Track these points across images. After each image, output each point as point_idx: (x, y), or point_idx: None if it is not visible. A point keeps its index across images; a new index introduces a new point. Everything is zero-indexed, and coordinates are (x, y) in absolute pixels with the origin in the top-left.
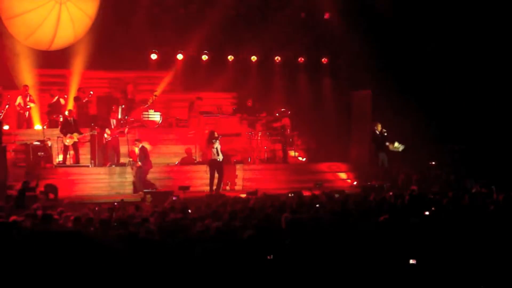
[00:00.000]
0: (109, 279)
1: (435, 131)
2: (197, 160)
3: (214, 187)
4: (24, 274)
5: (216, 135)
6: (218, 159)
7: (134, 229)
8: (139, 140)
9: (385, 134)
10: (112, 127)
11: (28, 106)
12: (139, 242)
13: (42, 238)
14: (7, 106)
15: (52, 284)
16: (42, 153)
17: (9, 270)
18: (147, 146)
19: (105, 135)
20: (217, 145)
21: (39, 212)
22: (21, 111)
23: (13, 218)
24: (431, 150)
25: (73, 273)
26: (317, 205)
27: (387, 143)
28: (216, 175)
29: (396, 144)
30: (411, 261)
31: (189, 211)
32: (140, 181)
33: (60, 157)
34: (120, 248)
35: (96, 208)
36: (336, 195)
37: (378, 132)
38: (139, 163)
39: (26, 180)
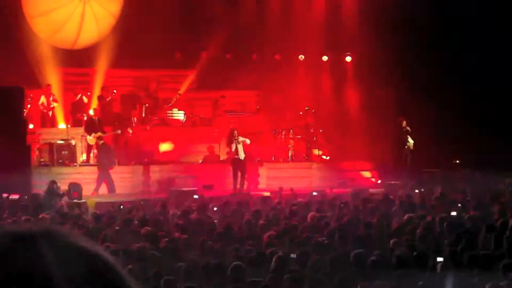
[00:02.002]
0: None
1: (459, 128)
2: (222, 158)
3: (238, 186)
4: None
5: (235, 134)
6: (240, 158)
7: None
8: (101, 138)
9: (409, 130)
10: (133, 125)
11: (51, 106)
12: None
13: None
14: (29, 106)
15: None
16: (66, 152)
17: None
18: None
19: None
20: (238, 145)
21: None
22: (45, 111)
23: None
24: (455, 147)
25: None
26: (342, 204)
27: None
28: (239, 174)
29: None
30: (438, 259)
31: (215, 209)
32: (99, 180)
33: (84, 156)
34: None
35: (121, 207)
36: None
37: (402, 128)
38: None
39: (53, 180)
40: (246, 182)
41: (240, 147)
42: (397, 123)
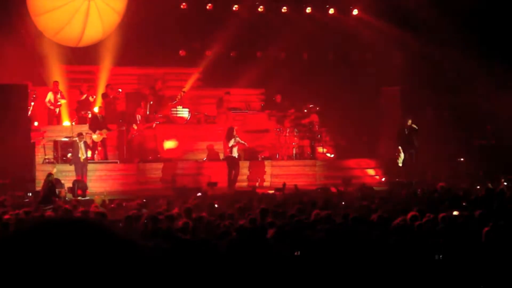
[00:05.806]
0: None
1: (464, 127)
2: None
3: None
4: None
5: (234, 132)
6: (234, 155)
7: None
8: (80, 135)
9: (416, 129)
10: (138, 122)
11: (58, 103)
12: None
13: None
14: (32, 103)
15: (50, 278)
16: (70, 150)
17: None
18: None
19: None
20: (233, 142)
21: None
22: (52, 107)
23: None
24: (460, 146)
25: (74, 266)
26: (346, 202)
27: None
28: (233, 171)
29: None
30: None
31: (216, 205)
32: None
33: (89, 153)
34: (134, 238)
35: (124, 204)
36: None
37: (406, 128)
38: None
39: (49, 172)
40: (236, 180)
41: (234, 145)
42: (403, 122)
